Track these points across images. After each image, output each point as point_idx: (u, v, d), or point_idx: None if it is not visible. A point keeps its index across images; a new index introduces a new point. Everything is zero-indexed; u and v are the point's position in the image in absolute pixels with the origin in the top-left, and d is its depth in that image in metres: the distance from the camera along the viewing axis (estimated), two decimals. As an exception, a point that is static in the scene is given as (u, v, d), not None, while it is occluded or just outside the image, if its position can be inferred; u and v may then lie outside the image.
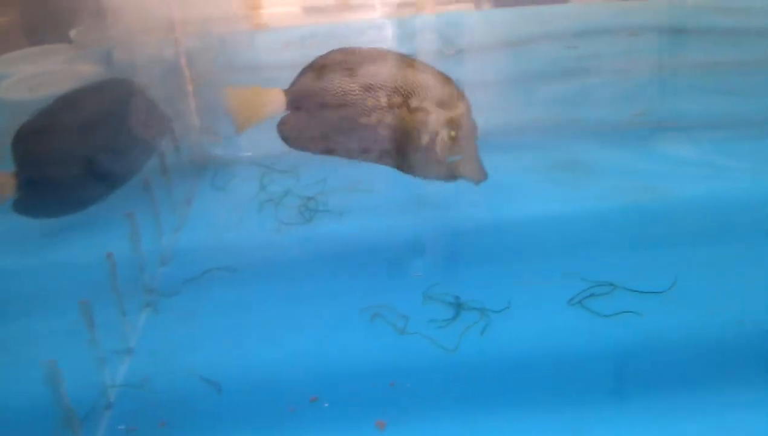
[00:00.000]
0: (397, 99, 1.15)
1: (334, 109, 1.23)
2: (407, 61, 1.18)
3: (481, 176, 1.15)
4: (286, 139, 1.33)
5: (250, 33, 3.16)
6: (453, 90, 1.14)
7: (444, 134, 1.12)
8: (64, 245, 1.46)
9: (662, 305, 1.15)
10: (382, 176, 1.72)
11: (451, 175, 1.17)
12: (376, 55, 1.20)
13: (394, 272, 1.31)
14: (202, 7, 2.49)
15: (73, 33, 2.09)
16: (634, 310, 1.14)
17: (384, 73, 1.18)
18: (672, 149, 1.67)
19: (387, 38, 3.03)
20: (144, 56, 1.95)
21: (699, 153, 1.65)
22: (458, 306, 1.18)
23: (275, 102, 1.29)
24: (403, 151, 1.20)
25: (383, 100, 1.16)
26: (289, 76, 2.72)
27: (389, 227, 1.47)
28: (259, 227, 1.50)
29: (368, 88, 1.18)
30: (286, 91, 1.29)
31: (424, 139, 1.13)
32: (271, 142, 1.94)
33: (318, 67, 1.27)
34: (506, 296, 1.19)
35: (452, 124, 1.12)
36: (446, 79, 1.15)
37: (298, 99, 1.28)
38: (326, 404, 1.01)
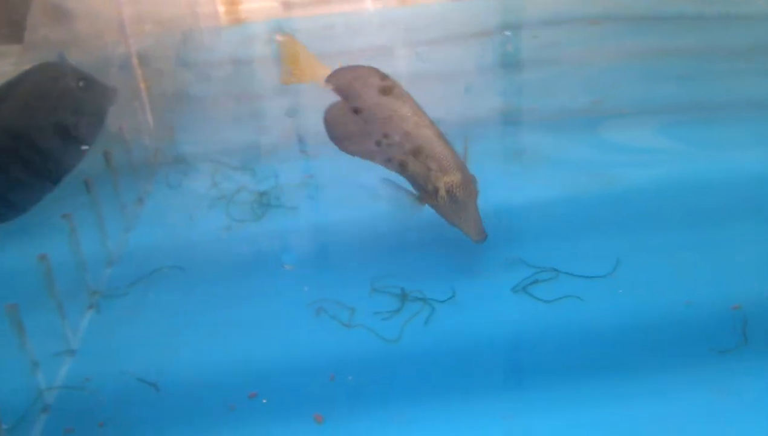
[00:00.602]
0: (407, 144, 1.20)
1: (357, 118, 1.28)
2: (420, 112, 1.23)
3: (479, 237, 1.16)
4: (329, 133, 1.36)
5: (216, 29, 3.14)
6: (451, 156, 1.18)
7: (443, 193, 1.15)
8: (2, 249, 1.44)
9: (607, 290, 1.15)
10: (335, 170, 1.72)
11: (453, 225, 1.20)
12: (398, 93, 1.25)
13: (343, 265, 1.31)
14: (162, 5, 2.47)
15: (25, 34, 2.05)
16: (578, 295, 1.14)
17: (402, 113, 1.23)
18: (625, 136, 1.67)
19: (355, 31, 3.03)
20: (97, 56, 1.93)
21: (651, 139, 1.65)
22: (403, 297, 1.18)
23: (318, 75, 1.36)
24: (415, 184, 1.24)
25: (395, 138, 1.21)
26: (250, 72, 2.70)
27: (340, 221, 1.47)
28: (210, 225, 1.48)
29: (387, 120, 1.23)
30: (328, 77, 1.34)
31: (429, 186, 1.18)
32: (225, 139, 1.95)
33: (351, 76, 1.31)
34: (451, 286, 1.19)
35: (449, 188, 1.15)
36: (446, 143, 1.20)
37: (335, 88, 1.33)
38: (264, 400, 1.00)
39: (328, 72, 1.34)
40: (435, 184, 1.16)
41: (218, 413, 0.99)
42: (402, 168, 1.23)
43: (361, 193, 1.58)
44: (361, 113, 1.27)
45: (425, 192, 1.20)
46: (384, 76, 1.28)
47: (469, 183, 1.17)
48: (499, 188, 1.46)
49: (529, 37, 2.51)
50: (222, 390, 1.04)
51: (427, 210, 1.25)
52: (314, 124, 2.00)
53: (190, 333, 1.17)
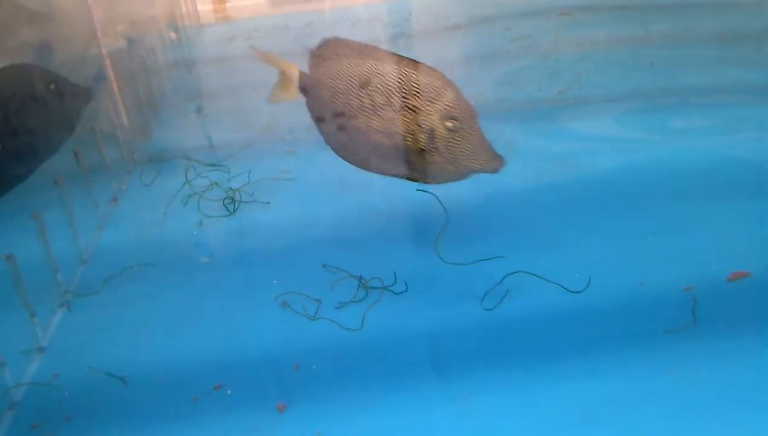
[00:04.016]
0: (379, 99, 1.03)
1: (327, 105, 1.14)
2: (385, 56, 1.06)
3: (497, 163, 1.01)
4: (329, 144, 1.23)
5: (197, 28, 3.15)
6: (437, 78, 1.01)
7: (441, 129, 0.99)
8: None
9: (564, 273, 1.18)
10: (308, 165, 1.74)
11: (465, 173, 1.05)
12: (359, 49, 1.10)
13: (312, 258, 1.32)
14: (139, 5, 2.48)
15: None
16: (535, 278, 1.16)
17: (363, 69, 1.07)
18: (589, 125, 1.70)
19: (335, 27, 3.05)
20: (72, 58, 1.94)
21: (615, 127, 1.68)
22: (366, 288, 1.20)
23: (293, 81, 1.20)
24: (404, 157, 1.08)
25: (366, 101, 1.05)
26: (228, 70, 2.71)
27: (313, 215, 1.49)
28: (182, 222, 1.50)
29: (351, 88, 1.08)
30: (300, 76, 1.20)
31: (421, 140, 1.01)
32: (202, 137, 1.96)
33: (318, 55, 1.17)
34: (413, 275, 1.21)
35: (446, 114, 1.00)
36: (429, 70, 1.02)
37: (304, 85, 1.19)
38: (229, 391, 1.02)
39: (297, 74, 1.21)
40: (428, 125, 0.99)
41: (183, 405, 1.01)
42: (382, 148, 1.07)
43: (335, 187, 1.60)
44: (327, 108, 1.14)
45: (418, 155, 1.03)
46: (339, 43, 1.13)
47: (464, 100, 1.01)
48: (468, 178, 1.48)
49: (501, 30, 2.53)
50: (188, 383, 1.06)
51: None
52: (291, 120, 2.04)
53: (159, 328, 1.19)
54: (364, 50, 1.09)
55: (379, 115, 1.04)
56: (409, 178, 1.16)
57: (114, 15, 2.12)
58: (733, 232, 1.23)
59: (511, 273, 1.18)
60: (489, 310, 1.12)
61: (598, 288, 1.14)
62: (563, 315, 1.10)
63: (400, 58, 1.05)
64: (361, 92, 1.06)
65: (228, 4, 3.56)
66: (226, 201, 1.54)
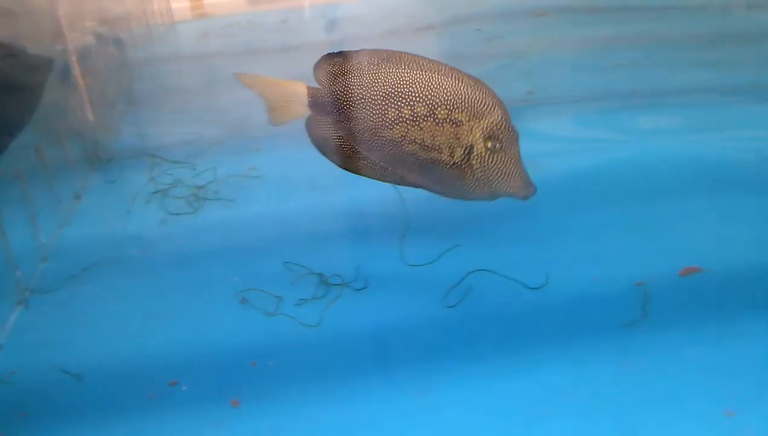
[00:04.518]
0: (422, 109, 0.99)
1: (353, 119, 1.08)
2: (429, 64, 1.02)
3: (528, 191, 0.98)
4: (315, 145, 1.20)
5: (169, 26, 3.13)
6: (486, 95, 0.98)
7: (480, 148, 0.97)
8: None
9: (521, 269, 1.19)
10: (276, 162, 1.74)
11: (494, 195, 1.02)
12: (396, 59, 1.05)
13: (274, 255, 1.33)
14: (109, 3, 2.46)
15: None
16: (493, 274, 1.17)
17: (405, 78, 1.01)
18: (555, 125, 1.72)
19: (310, 25, 3.05)
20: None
21: (581, 127, 1.70)
22: (326, 285, 1.20)
23: (299, 99, 1.14)
24: (434, 170, 1.04)
25: (406, 111, 1.01)
26: (199, 67, 2.70)
27: (277, 212, 1.49)
28: (146, 219, 1.49)
29: (388, 97, 1.02)
30: (308, 91, 1.14)
31: (457, 154, 0.98)
32: (170, 134, 1.95)
33: (334, 69, 1.11)
34: (371, 272, 1.22)
35: (490, 133, 0.96)
36: (477, 83, 0.99)
37: (318, 101, 1.12)
38: (185, 388, 1.02)
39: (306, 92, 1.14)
40: (468, 141, 0.96)
41: (138, 401, 1.01)
42: (412, 161, 1.03)
43: (301, 185, 1.61)
44: (353, 119, 1.08)
45: (451, 169, 0.99)
46: (374, 53, 1.08)
47: (509, 121, 0.97)
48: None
49: (474, 30, 2.55)
50: (144, 379, 1.05)
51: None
52: (261, 117, 2.04)
53: (118, 325, 1.18)
54: (403, 59, 1.05)
55: (418, 125, 1.00)
56: (430, 191, 1.13)
57: (83, 11, 2.10)
58: (688, 228, 1.26)
59: (473, 271, 1.19)
60: (451, 307, 1.13)
61: (556, 284, 1.16)
62: (522, 311, 1.12)
63: (449, 69, 1.01)
64: (402, 102, 1.01)
65: (205, 1, 3.56)
66: (191, 199, 1.53)
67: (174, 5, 3.32)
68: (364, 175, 1.19)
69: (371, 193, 1.54)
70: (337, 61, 1.11)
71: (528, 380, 0.98)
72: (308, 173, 1.67)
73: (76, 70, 1.81)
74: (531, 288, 1.15)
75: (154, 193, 1.57)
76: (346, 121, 1.09)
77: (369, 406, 0.96)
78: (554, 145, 1.62)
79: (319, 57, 1.16)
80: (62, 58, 1.78)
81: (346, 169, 1.20)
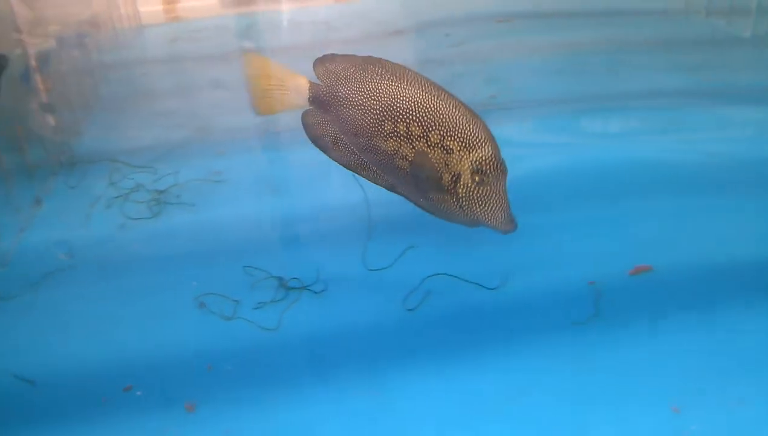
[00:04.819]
0: (416, 129, 1.01)
1: (350, 122, 1.10)
2: (430, 87, 1.03)
3: (508, 226, 1.00)
4: (309, 135, 1.20)
5: (137, 29, 3.11)
6: (480, 129, 1.00)
7: (467, 178, 0.98)
8: None
9: (476, 271, 1.20)
10: (240, 166, 1.74)
11: (475, 223, 1.03)
12: (399, 74, 1.06)
13: (233, 259, 1.32)
14: (74, 6, 2.44)
15: None
16: (451, 277, 1.19)
17: (405, 95, 1.03)
18: (517, 128, 1.74)
19: (277, 29, 3.05)
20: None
21: (542, 130, 1.73)
22: (285, 288, 1.21)
23: (299, 92, 1.14)
24: (421, 188, 1.05)
25: (401, 127, 1.02)
26: (165, 71, 2.68)
27: (238, 217, 1.49)
28: (105, 224, 1.48)
29: (387, 109, 1.04)
30: (310, 85, 1.14)
31: (444, 179, 0.99)
32: (133, 138, 1.94)
33: (338, 70, 1.12)
34: (330, 276, 1.22)
35: (478, 167, 0.98)
36: (473, 116, 1.01)
37: (319, 97, 1.13)
38: (139, 392, 1.02)
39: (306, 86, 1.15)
40: (456, 169, 0.98)
41: (91, 406, 1.00)
42: (402, 174, 1.05)
43: (265, 189, 1.60)
44: (351, 121, 1.09)
45: (436, 191, 1.02)
46: (378, 62, 1.09)
47: (500, 157, 1.00)
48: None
49: (441, 36, 2.57)
50: (99, 385, 1.04)
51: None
52: (226, 121, 2.04)
53: (74, 331, 1.17)
54: (406, 75, 1.06)
55: (411, 144, 1.02)
56: (416, 205, 1.14)
57: (45, 15, 2.08)
58: (641, 228, 1.28)
59: (433, 275, 1.20)
60: (411, 310, 1.13)
61: (513, 284, 1.17)
62: (480, 311, 1.13)
63: (448, 95, 1.03)
64: (398, 117, 1.03)
65: (179, 5, 3.54)
66: (151, 203, 1.52)
67: (145, 9, 3.30)
68: (357, 174, 1.20)
69: (334, 197, 1.55)
70: (340, 62, 1.12)
71: (482, 379, 0.99)
72: (272, 177, 1.67)
73: (36, 75, 1.79)
74: (489, 289, 1.17)
75: (116, 197, 1.56)
76: (343, 123, 1.11)
77: (323, 408, 0.97)
78: (514, 149, 1.63)
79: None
80: (22, 61, 1.76)
81: (341, 164, 1.21)
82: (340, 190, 1.58)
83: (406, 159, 1.03)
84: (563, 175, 1.53)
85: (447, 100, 1.02)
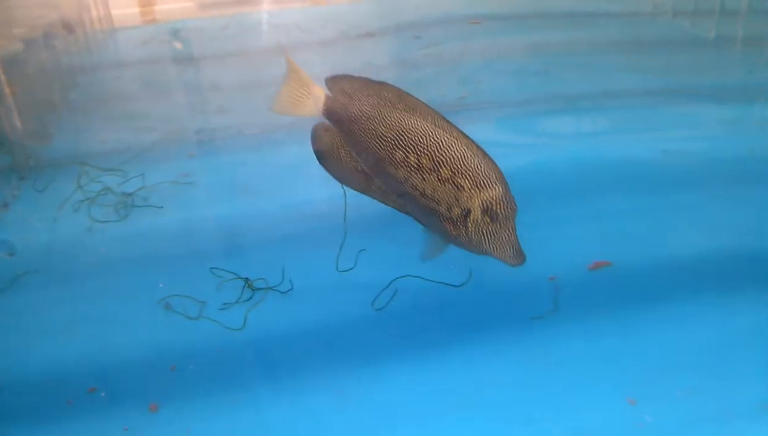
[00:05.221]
0: (427, 162, 1.01)
1: (361, 145, 1.10)
2: (443, 123, 1.04)
3: (517, 261, 1.00)
4: (315, 148, 1.20)
5: (111, 31, 3.09)
6: (491, 169, 0.99)
7: (477, 215, 0.98)
8: None
9: (447, 268, 1.22)
10: (209, 169, 1.74)
11: (481, 252, 1.03)
12: (414, 105, 1.07)
13: (200, 261, 1.32)
14: (43, 8, 2.42)
15: None
16: (407, 278, 1.20)
17: (417, 128, 1.03)
18: (480, 129, 1.74)
19: (250, 32, 3.05)
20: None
21: (503, 131, 1.76)
22: (252, 289, 1.21)
23: (315, 102, 1.14)
24: (430, 217, 1.05)
25: (412, 158, 1.03)
26: (136, 73, 2.67)
27: (206, 219, 1.49)
28: (73, 227, 1.48)
29: (399, 139, 1.03)
30: (326, 98, 1.14)
31: (454, 212, 1.00)
32: (102, 141, 1.93)
33: (356, 91, 1.11)
34: (296, 276, 1.23)
35: (488, 207, 0.98)
36: (484, 156, 1.01)
37: (333, 113, 1.13)
38: (103, 394, 1.02)
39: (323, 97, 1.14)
40: (466, 205, 0.99)
41: (55, 408, 1.00)
42: (411, 199, 1.05)
43: (234, 192, 1.61)
44: (362, 143, 1.09)
45: (446, 222, 1.02)
46: (391, 89, 1.09)
47: (510, 197, 1.01)
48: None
49: (412, 38, 2.59)
50: (63, 387, 1.04)
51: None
52: (197, 123, 2.04)
53: (39, 334, 1.17)
54: (420, 107, 1.07)
55: (422, 176, 1.02)
56: (426, 228, 1.14)
57: (11, 18, 2.06)
58: (600, 225, 1.31)
59: (401, 277, 1.21)
60: (379, 310, 1.14)
61: (476, 280, 1.19)
62: (445, 308, 1.15)
63: (458, 132, 1.04)
64: (410, 148, 1.03)
65: (156, 7, 3.52)
66: (118, 206, 1.52)
67: (121, 11, 3.28)
68: (365, 195, 1.20)
69: (304, 198, 1.56)
70: (355, 84, 1.12)
71: (446, 375, 1.01)
72: (242, 178, 1.68)
73: (2, 78, 1.77)
74: (455, 286, 1.19)
75: (82, 201, 1.55)
76: (354, 144, 1.11)
77: (288, 406, 0.98)
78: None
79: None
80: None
81: (346, 185, 1.22)
82: (308, 192, 1.59)
83: (416, 188, 1.03)
84: (529, 174, 1.55)
85: (458, 137, 1.02)
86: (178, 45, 2.88)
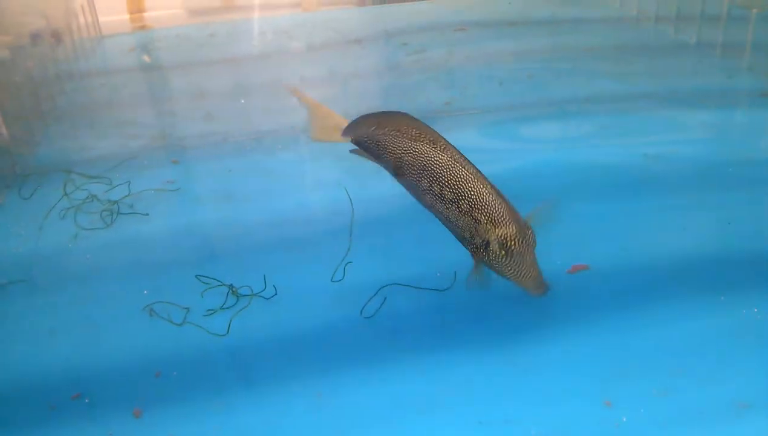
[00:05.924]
0: (449, 194, 1.06)
1: (390, 168, 1.16)
2: (460, 158, 1.08)
3: (540, 291, 1.04)
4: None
5: (99, 38, 3.10)
6: (505, 209, 1.04)
7: (495, 248, 1.02)
8: None
9: (433, 274, 1.23)
10: (194, 175, 1.75)
11: (506, 279, 1.08)
12: (434, 138, 1.11)
13: (185, 268, 1.33)
14: (28, 16, 2.42)
15: None
16: (392, 287, 1.22)
17: (439, 161, 1.08)
18: (463, 135, 1.78)
19: (239, 38, 3.06)
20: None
21: (484, 137, 1.78)
22: (236, 295, 1.22)
23: (338, 130, 1.21)
24: (457, 237, 1.11)
25: (435, 188, 1.07)
26: (123, 81, 2.67)
27: (191, 226, 1.50)
28: (58, 235, 1.48)
29: (423, 169, 1.09)
30: (346, 129, 1.20)
31: (476, 240, 1.05)
32: (88, 149, 1.94)
33: (379, 122, 1.16)
34: (279, 282, 1.24)
35: (503, 243, 1.02)
36: (499, 195, 1.06)
37: (358, 142, 1.19)
38: (87, 400, 1.03)
39: (344, 124, 1.20)
40: (484, 237, 1.04)
41: (38, 415, 1.01)
42: (438, 216, 1.11)
43: (219, 198, 1.62)
44: (392, 166, 1.15)
45: (471, 244, 1.07)
46: (412, 121, 1.13)
47: (525, 234, 1.04)
48: (349, 186, 1.51)
49: (399, 44, 2.62)
50: (47, 394, 1.05)
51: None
52: (181, 130, 2.04)
53: (24, 342, 1.17)
54: (439, 141, 1.10)
55: (444, 205, 1.08)
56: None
57: (-2, 25, 2.07)
58: (580, 229, 1.33)
59: (386, 285, 1.22)
60: (368, 318, 1.16)
61: (460, 285, 1.20)
62: (430, 313, 1.16)
63: (475, 170, 1.08)
64: (433, 179, 1.08)
65: (145, 14, 3.53)
66: (104, 213, 1.53)
67: (110, 18, 3.29)
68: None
69: (291, 204, 1.57)
70: (373, 121, 1.17)
71: (420, 377, 1.02)
72: (228, 185, 1.69)
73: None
74: (440, 290, 1.20)
75: (69, 208, 1.56)
76: (386, 167, 1.17)
77: (271, 409, 0.99)
78: (465, 154, 1.67)
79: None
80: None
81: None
82: (295, 198, 1.60)
83: (441, 214, 1.09)
84: (513, 179, 1.57)
85: (475, 174, 1.07)
86: (165, 52, 2.89)
